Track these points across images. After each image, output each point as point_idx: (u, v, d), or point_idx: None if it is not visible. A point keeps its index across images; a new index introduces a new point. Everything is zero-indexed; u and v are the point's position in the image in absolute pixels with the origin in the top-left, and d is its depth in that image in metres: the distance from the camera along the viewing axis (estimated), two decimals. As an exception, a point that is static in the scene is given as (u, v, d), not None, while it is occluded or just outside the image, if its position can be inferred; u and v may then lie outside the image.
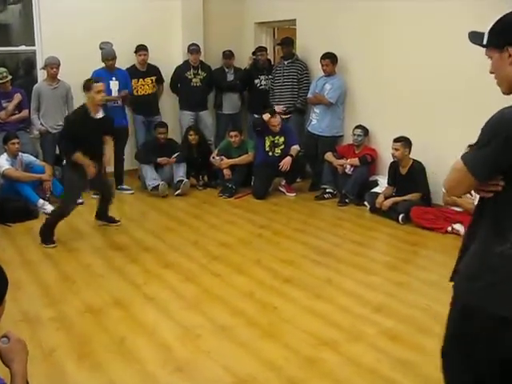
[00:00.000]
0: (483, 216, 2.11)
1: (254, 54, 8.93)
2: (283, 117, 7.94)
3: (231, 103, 9.01)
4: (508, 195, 1.99)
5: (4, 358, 1.99)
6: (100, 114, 5.82)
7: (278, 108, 8.07)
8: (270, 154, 7.78)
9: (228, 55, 8.87)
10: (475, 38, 2.10)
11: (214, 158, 8.11)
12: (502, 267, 1.98)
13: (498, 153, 1.93)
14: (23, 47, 8.34)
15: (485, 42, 2.07)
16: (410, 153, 6.55)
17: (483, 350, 2.04)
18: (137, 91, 8.31)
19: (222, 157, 8.02)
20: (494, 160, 1.95)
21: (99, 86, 5.70)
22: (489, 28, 2.06)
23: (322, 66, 7.72)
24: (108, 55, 7.70)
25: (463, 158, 2.04)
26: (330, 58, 7.66)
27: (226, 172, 7.94)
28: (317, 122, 7.88)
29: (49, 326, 4.03)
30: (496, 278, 1.98)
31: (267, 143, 7.77)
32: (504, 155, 1.92)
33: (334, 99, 7.68)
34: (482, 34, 2.08)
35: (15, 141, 6.90)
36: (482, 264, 2.04)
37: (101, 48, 7.74)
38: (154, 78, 8.47)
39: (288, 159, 7.57)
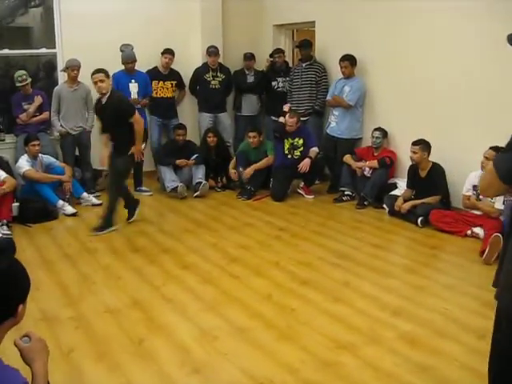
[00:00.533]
0: None
1: (271, 56, 8.95)
2: (302, 119, 7.93)
3: (250, 105, 9.02)
4: None
5: (25, 358, 2.01)
6: (104, 99, 6.23)
7: (285, 107, 8.06)
8: (289, 156, 7.78)
9: (249, 57, 8.87)
10: None
11: (234, 172, 8.08)
12: None
13: None
14: (44, 50, 8.42)
15: None
16: (429, 156, 6.50)
17: None
18: (156, 93, 8.36)
19: (240, 169, 8.00)
20: None
21: (94, 77, 6.18)
22: None
23: (341, 68, 7.70)
24: (128, 58, 7.75)
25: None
26: (349, 60, 7.64)
27: (247, 172, 7.92)
28: (336, 124, 7.87)
29: (68, 326, 4.06)
30: None
31: (286, 146, 7.77)
32: None
33: (353, 101, 7.66)
34: None
35: (36, 143, 6.97)
36: None
37: (121, 50, 7.80)
38: (174, 83, 8.52)
39: (307, 161, 7.56)
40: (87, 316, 4.23)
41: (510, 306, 2.04)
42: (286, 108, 8.09)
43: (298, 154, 7.75)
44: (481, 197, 5.95)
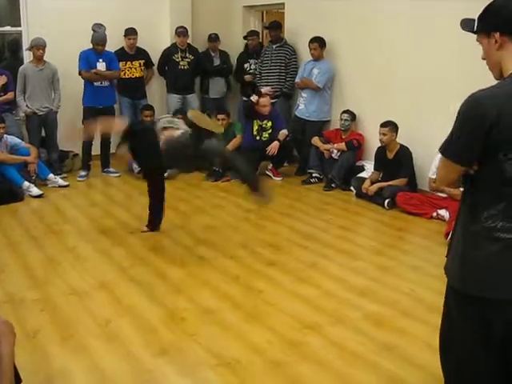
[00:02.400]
0: (463, 201, 2.17)
1: (245, 37, 8.90)
2: (271, 101, 7.91)
3: (217, 88, 8.97)
4: (482, 177, 2.03)
5: None
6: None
7: (264, 89, 8.04)
8: (258, 138, 7.78)
9: (214, 38, 8.82)
10: (466, 25, 2.14)
11: None
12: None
13: (473, 137, 1.97)
14: (8, 28, 8.26)
15: (475, 28, 2.10)
16: (396, 137, 6.56)
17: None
18: (124, 74, 8.27)
19: None
20: (470, 144, 1.99)
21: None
22: (478, 14, 2.08)
23: (310, 49, 7.71)
24: (99, 40, 7.59)
25: (441, 150, 2.08)
26: (318, 42, 7.64)
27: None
28: (304, 106, 7.88)
29: (33, 308, 4.02)
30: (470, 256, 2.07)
31: (255, 127, 7.77)
32: (477, 139, 1.95)
33: (321, 84, 7.67)
34: (473, 20, 2.11)
35: (0, 125, 6.84)
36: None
37: (93, 30, 7.64)
38: (142, 62, 8.44)
39: (275, 144, 7.56)
40: (53, 298, 4.19)
41: (456, 275, 2.13)
42: (264, 89, 8.03)
43: (267, 136, 7.75)
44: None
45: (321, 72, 7.68)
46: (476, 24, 2.09)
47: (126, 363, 3.34)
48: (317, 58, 7.74)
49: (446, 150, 2.06)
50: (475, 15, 2.12)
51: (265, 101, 7.63)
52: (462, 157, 2.02)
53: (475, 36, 2.12)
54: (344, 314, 3.96)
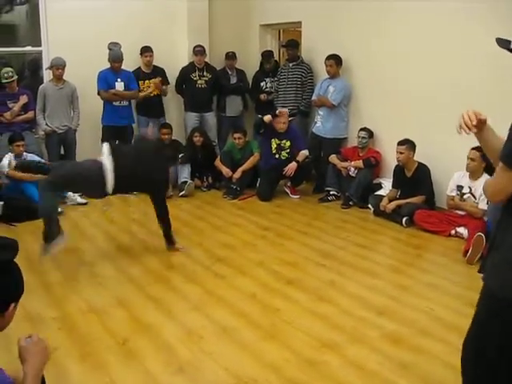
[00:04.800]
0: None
1: (262, 58, 8.96)
2: (288, 119, 7.92)
3: (234, 106, 9.01)
4: None
5: (20, 357, 2.03)
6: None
7: (280, 111, 8.06)
8: (277, 156, 7.79)
9: (231, 56, 8.87)
10: (502, 43, 2.15)
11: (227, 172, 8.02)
12: None
13: None
14: (29, 48, 8.38)
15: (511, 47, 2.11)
16: (414, 155, 6.54)
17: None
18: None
19: (228, 170, 7.97)
20: None
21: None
22: None
23: (326, 66, 7.74)
24: (115, 58, 7.71)
25: (500, 157, 2.05)
26: (334, 59, 7.67)
27: (236, 176, 7.92)
28: (321, 124, 7.89)
29: (51, 326, 4.04)
30: None
31: (273, 145, 7.78)
32: None
33: (337, 101, 7.68)
34: (509, 41, 2.12)
35: (20, 143, 6.93)
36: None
37: (109, 48, 7.75)
38: (159, 80, 8.48)
39: (293, 165, 7.57)
40: (71, 316, 4.21)
41: (496, 287, 2.13)
42: (279, 111, 7.98)
43: (286, 154, 7.76)
44: (465, 196, 6.00)
45: (336, 90, 7.69)
46: None
47: (144, 381, 3.34)
48: (333, 76, 7.75)
49: (507, 158, 2.02)
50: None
51: (283, 118, 7.64)
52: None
53: (489, 52, 2.11)
54: (362, 333, 3.93)
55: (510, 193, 2.08)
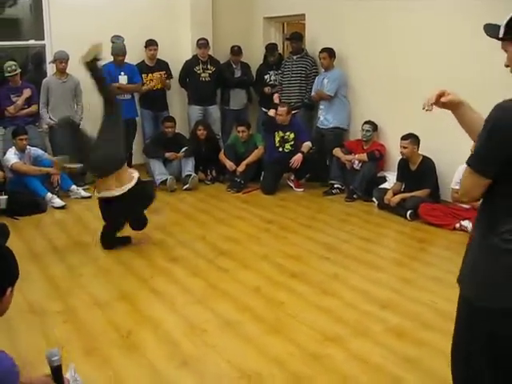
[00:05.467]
0: (481, 210, 2.11)
1: (266, 51, 8.94)
2: (292, 112, 7.90)
3: (238, 99, 8.99)
4: (503, 188, 1.98)
5: None
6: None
7: (275, 99, 8.21)
8: (280, 149, 7.78)
9: (236, 51, 8.83)
10: (491, 30, 2.08)
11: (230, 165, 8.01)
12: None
13: (499, 148, 1.92)
14: (33, 41, 8.37)
15: (501, 34, 2.04)
16: (418, 149, 6.52)
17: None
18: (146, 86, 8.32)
19: (232, 163, 7.95)
20: (495, 154, 1.94)
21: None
22: (505, 21, 2.03)
23: (320, 59, 7.78)
24: (118, 51, 7.71)
25: (467, 161, 2.03)
26: (327, 52, 7.71)
27: (240, 169, 7.90)
28: (323, 117, 7.89)
29: (56, 319, 4.04)
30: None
31: (277, 139, 7.77)
32: (504, 150, 1.91)
33: (332, 91, 7.68)
34: (498, 26, 2.06)
35: (23, 137, 6.93)
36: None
37: (112, 42, 7.74)
38: (162, 73, 8.47)
39: (299, 156, 7.56)
40: (75, 309, 4.21)
41: (470, 286, 2.15)
42: (276, 99, 8.11)
43: (289, 147, 7.75)
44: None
45: (330, 81, 7.70)
46: (503, 30, 2.03)
47: (147, 375, 3.34)
48: (326, 68, 7.80)
49: (473, 160, 2.00)
50: (497, 21, 2.07)
51: (283, 110, 7.64)
52: (487, 169, 1.96)
53: (491, 44, 2.08)
54: (366, 326, 3.92)
55: (476, 196, 2.03)
